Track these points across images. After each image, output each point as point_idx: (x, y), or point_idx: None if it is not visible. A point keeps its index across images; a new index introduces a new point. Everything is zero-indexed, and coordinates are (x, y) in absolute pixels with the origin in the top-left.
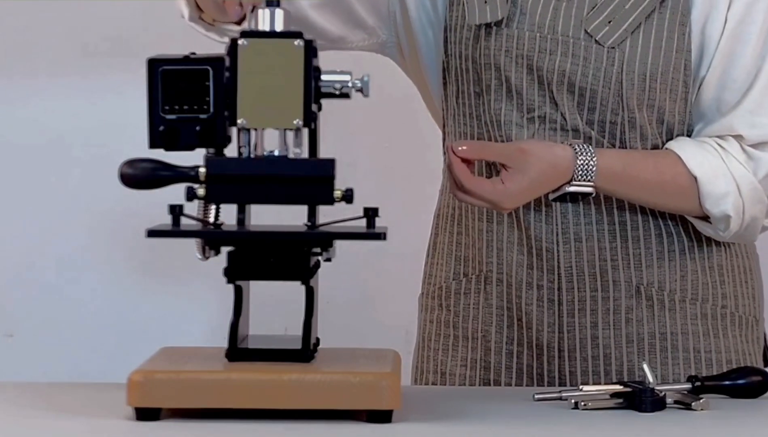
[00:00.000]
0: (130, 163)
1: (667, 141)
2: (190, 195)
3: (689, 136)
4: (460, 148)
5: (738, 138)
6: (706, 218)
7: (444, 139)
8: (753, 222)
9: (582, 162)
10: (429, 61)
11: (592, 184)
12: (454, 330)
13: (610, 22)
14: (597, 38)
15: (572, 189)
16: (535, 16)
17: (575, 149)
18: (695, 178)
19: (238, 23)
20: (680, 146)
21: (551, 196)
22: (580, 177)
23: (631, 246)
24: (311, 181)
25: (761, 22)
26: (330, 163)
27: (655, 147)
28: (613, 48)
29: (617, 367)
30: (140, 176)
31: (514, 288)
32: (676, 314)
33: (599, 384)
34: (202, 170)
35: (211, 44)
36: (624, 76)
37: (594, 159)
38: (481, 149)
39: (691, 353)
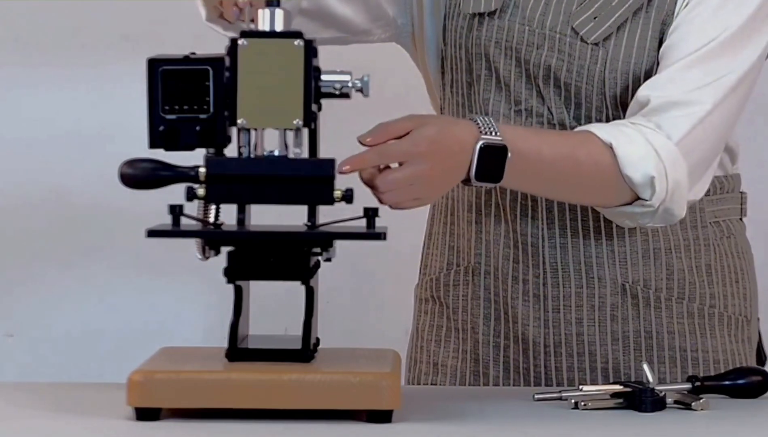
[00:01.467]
0: (130, 163)
1: None
2: (190, 195)
3: None
4: (366, 140)
5: (645, 109)
6: (628, 204)
7: None
8: (677, 189)
9: (483, 120)
10: (431, 45)
11: (500, 138)
12: (447, 322)
13: (595, 18)
14: (581, 34)
15: (484, 140)
16: (527, 10)
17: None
18: (610, 146)
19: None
20: (588, 126)
21: (474, 166)
22: (485, 131)
23: (616, 243)
24: (311, 181)
25: (708, 12)
26: (330, 163)
27: None
28: (597, 45)
29: (603, 364)
30: (140, 176)
31: (501, 281)
32: (662, 313)
33: (585, 381)
34: (202, 170)
35: (211, 45)
36: (607, 74)
37: (493, 121)
38: (384, 130)
39: (677, 352)
